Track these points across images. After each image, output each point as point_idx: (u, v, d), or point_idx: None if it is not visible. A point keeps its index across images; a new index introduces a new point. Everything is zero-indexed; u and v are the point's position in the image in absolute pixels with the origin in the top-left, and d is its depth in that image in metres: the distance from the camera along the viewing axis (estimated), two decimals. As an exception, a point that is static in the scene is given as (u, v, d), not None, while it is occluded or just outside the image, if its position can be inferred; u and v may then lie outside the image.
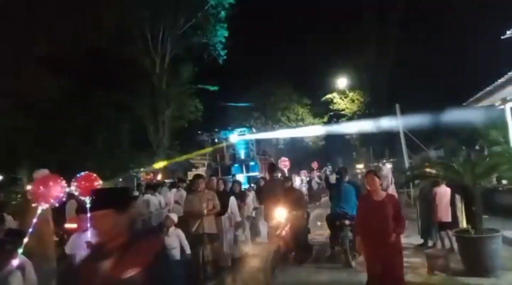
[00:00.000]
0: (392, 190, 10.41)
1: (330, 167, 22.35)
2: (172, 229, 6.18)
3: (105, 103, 18.58)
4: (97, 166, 17.79)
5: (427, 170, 7.31)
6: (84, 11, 15.03)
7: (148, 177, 15.31)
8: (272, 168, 9.07)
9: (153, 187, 10.43)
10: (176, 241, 6.06)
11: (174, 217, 6.35)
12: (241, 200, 9.14)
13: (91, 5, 15.61)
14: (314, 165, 19.35)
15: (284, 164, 14.19)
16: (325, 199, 20.33)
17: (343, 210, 7.42)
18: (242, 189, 10.13)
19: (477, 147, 14.50)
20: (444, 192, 7.38)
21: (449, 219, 7.34)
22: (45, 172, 5.05)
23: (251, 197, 9.91)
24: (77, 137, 17.72)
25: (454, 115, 17.33)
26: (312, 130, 29.41)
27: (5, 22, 12.70)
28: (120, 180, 16.71)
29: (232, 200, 8.18)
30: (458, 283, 5.66)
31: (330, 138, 32.55)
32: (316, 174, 20.75)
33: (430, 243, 8.11)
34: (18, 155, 16.84)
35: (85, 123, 18.12)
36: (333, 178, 11.33)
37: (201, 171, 19.55)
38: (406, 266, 6.70)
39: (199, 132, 16.78)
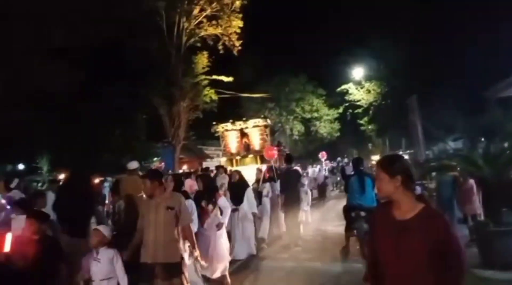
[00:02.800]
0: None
1: (346, 158, 21.17)
2: (102, 250, 3.91)
3: (121, 95, 18.83)
4: (114, 157, 18.18)
5: (445, 162, 7.20)
6: (99, 2, 15.12)
7: (160, 165, 15.51)
8: (289, 158, 9.18)
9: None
10: (108, 268, 3.89)
11: (105, 230, 4.03)
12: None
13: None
14: (322, 155, 18.19)
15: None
16: (335, 193, 20.13)
17: (359, 202, 7.39)
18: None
19: (496, 139, 14.16)
20: (472, 184, 7.36)
21: (479, 211, 7.31)
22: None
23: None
24: (95, 129, 18.03)
25: (473, 107, 16.98)
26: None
27: (20, 14, 12.90)
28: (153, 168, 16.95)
29: (249, 193, 7.73)
30: (474, 276, 5.58)
31: (345, 129, 32.34)
32: (324, 165, 19.73)
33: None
34: (38, 146, 17.25)
35: (102, 115, 18.41)
36: (349, 169, 11.26)
37: (216, 161, 19.69)
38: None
39: (214, 123, 16.82)
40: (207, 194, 6.00)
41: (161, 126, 18.98)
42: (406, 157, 25.62)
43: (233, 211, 7.17)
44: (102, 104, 18.96)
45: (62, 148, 16.04)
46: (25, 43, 14.03)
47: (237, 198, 7.46)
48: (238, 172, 8.06)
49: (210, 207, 5.80)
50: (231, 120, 16.96)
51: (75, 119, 17.31)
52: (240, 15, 19.56)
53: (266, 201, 8.90)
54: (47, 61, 14.52)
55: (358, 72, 27.17)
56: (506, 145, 7.22)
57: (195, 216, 5.36)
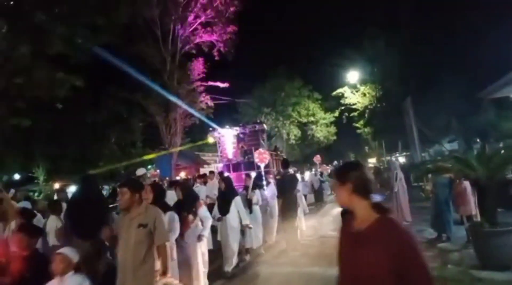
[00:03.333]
0: (400, 186, 10.32)
1: (341, 161, 20.62)
2: (69, 277, 3.25)
3: (117, 102, 18.83)
4: (111, 164, 18.16)
5: (440, 163, 7.26)
6: (95, 9, 15.15)
7: (155, 173, 15.47)
8: (285, 163, 9.17)
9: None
10: None
11: (71, 254, 3.35)
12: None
13: (102, 3, 15.73)
14: (317, 159, 17.52)
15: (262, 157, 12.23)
16: (332, 197, 20.00)
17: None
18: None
19: (491, 140, 14.29)
20: (467, 185, 7.39)
21: (474, 212, 7.33)
22: None
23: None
24: (91, 136, 18.00)
25: (467, 108, 17.09)
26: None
27: (18, 21, 12.88)
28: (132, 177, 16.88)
29: (238, 202, 7.00)
30: (471, 277, 5.60)
31: (341, 133, 32.45)
32: (320, 169, 19.39)
33: (444, 237, 8.06)
34: (34, 155, 17.19)
35: (98, 121, 18.39)
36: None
37: (213, 167, 19.67)
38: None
39: (210, 129, 16.84)
40: (186, 203, 5.51)
41: (157, 133, 18.98)
42: (402, 159, 25.69)
43: (218, 220, 6.83)
44: (98, 112, 18.97)
45: (58, 156, 15.99)
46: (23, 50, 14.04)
47: (224, 207, 6.89)
48: (225, 179, 7.31)
49: (190, 217, 5.36)
50: (227, 126, 17.00)
51: (71, 127, 17.27)
52: (235, 22, 19.68)
53: (257, 209, 8.47)
54: (44, 68, 14.50)
55: (353, 75, 27.31)
56: (501, 145, 7.31)
57: (177, 226, 4.84)
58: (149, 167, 20.51)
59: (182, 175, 15.32)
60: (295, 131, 30.42)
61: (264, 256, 8.13)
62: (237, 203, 6.92)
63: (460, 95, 17.74)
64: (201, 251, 5.58)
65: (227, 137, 17.05)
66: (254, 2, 20.81)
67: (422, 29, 21.75)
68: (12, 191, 8.23)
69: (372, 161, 35.90)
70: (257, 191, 8.57)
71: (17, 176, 17.13)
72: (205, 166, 21.16)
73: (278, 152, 21.18)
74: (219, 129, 16.84)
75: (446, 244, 7.72)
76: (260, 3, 25.54)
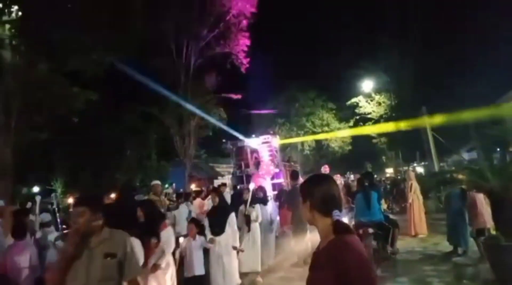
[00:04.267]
0: (415, 198, 10.16)
1: (351, 174, 19.79)
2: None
3: (133, 115, 19.18)
4: (127, 176, 18.47)
5: (453, 174, 7.11)
6: (109, 23, 15.57)
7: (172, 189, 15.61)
8: (294, 175, 9.09)
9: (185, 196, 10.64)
10: None
11: None
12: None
13: (116, 18, 16.17)
14: (325, 169, 16.65)
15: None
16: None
17: (366, 218, 7.32)
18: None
19: (511, 149, 13.89)
20: (480, 197, 7.21)
21: (489, 225, 7.12)
22: None
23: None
24: (107, 150, 18.33)
25: (485, 115, 16.70)
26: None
27: (34, 37, 13.33)
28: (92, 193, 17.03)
29: (232, 220, 6.15)
30: (487, 293, 5.45)
31: (357, 142, 32.07)
32: None
33: (460, 251, 7.85)
34: (52, 168, 17.60)
35: (115, 135, 18.73)
36: (354, 185, 11.11)
37: (227, 179, 19.74)
38: (433, 274, 6.58)
39: (224, 140, 16.93)
40: (149, 224, 4.59)
41: (171, 145, 19.19)
42: (420, 169, 25.26)
43: (210, 242, 5.78)
44: (115, 125, 19.34)
45: (76, 169, 16.34)
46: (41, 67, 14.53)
47: (217, 225, 5.95)
48: (218, 193, 6.48)
49: (153, 241, 4.50)
50: (241, 137, 17.05)
51: (89, 141, 17.66)
52: (247, 34, 19.88)
53: (256, 227, 7.42)
54: (61, 83, 14.93)
55: (367, 85, 27.10)
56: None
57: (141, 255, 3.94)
58: (166, 186, 20.57)
59: (193, 186, 15.37)
60: (309, 142, 30.25)
61: (276, 266, 7.96)
62: (231, 220, 6.09)
63: (478, 102, 17.39)
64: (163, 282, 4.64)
65: (248, 147, 16.97)
66: (267, 14, 20.96)
67: (436, 37, 21.56)
68: (29, 203, 8.42)
69: (389, 171, 35.32)
70: (257, 206, 7.59)
71: (36, 189, 17.58)
72: (219, 177, 21.25)
73: (292, 163, 21.10)
74: (232, 141, 16.84)
75: (461, 258, 7.52)
76: (274, 15, 25.75)
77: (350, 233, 1.74)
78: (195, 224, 5.83)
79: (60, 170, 17.28)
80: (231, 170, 21.03)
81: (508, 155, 13.33)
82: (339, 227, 1.74)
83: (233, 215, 6.20)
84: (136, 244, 3.69)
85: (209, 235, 5.90)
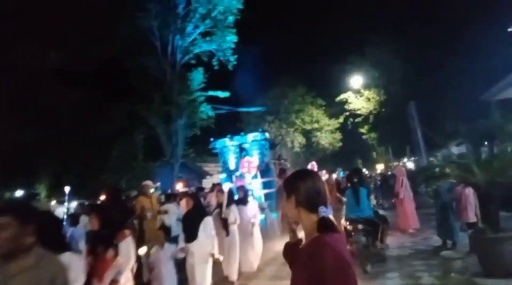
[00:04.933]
0: (406, 192, 10.14)
1: (340, 170, 19.61)
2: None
3: (119, 115, 18.85)
4: (113, 178, 18.13)
5: (441, 169, 7.03)
6: (94, 23, 15.34)
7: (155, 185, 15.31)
8: (282, 173, 8.96)
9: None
10: None
11: None
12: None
13: (102, 17, 15.92)
14: (312, 166, 16.21)
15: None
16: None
17: (356, 214, 7.23)
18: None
19: (498, 143, 13.98)
20: (468, 191, 7.18)
21: (476, 220, 7.10)
22: None
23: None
24: (93, 150, 18.01)
25: (474, 111, 16.80)
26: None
27: (18, 36, 13.07)
28: (135, 192, 16.77)
29: (207, 224, 5.45)
30: (475, 285, 5.38)
31: (347, 139, 32.13)
32: None
33: (449, 244, 7.81)
34: (36, 171, 17.25)
35: (100, 135, 18.39)
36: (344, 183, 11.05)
37: (217, 178, 19.51)
38: (423, 269, 6.51)
39: (212, 139, 16.68)
40: (104, 233, 3.97)
41: (158, 145, 18.91)
42: (411, 164, 25.36)
43: (182, 251, 5.29)
44: (100, 126, 19.00)
45: (60, 172, 16.03)
46: (25, 65, 14.26)
47: (190, 232, 5.35)
48: (193, 196, 5.95)
49: (110, 253, 3.83)
50: (229, 136, 16.81)
51: (72, 141, 17.33)
52: (234, 30, 19.66)
53: (235, 230, 6.84)
54: (43, 82, 14.67)
55: (356, 80, 27.06)
56: (509, 149, 7.03)
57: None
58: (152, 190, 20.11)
59: (179, 186, 15.12)
60: (300, 139, 30.15)
61: (267, 269, 7.58)
62: (206, 225, 5.39)
63: (467, 98, 17.47)
64: None
65: (229, 147, 16.86)
66: (254, 10, 20.77)
67: (425, 33, 21.59)
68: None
69: (379, 167, 35.46)
70: (233, 207, 6.97)
71: (19, 193, 17.19)
72: (208, 177, 21.03)
73: (282, 161, 20.96)
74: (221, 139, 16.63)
75: (450, 252, 7.49)
76: (261, 11, 25.64)
77: (334, 231, 1.68)
78: (164, 231, 5.26)
79: (44, 174, 16.93)
80: (220, 169, 20.85)
81: (495, 149, 13.40)
82: (323, 224, 1.67)
83: (208, 219, 5.52)
84: (74, 266, 2.78)
85: (181, 244, 5.33)
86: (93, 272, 3.68)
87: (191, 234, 5.30)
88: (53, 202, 14.56)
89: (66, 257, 2.68)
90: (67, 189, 9.12)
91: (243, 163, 11.81)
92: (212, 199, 9.39)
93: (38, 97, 15.08)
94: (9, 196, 16.59)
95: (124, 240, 4.07)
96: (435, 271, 6.35)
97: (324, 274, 1.53)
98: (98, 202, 14.72)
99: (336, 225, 1.73)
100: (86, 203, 12.30)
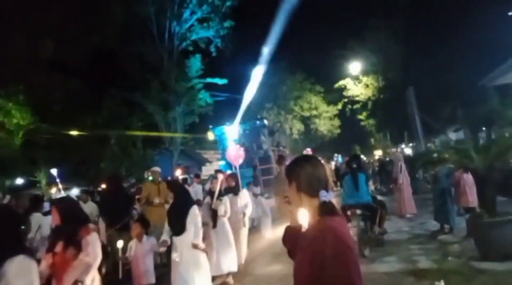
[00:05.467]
0: (404, 178, 10.22)
1: (339, 156, 19.49)
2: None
3: (116, 102, 18.79)
4: (112, 165, 18.15)
5: (439, 154, 7.09)
6: (89, 10, 15.13)
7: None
8: (280, 159, 8.96)
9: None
10: None
11: None
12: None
13: (96, 3, 15.70)
14: (307, 152, 15.87)
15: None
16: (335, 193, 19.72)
17: (355, 199, 7.30)
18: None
19: (496, 128, 14.03)
20: (467, 176, 7.22)
21: (475, 204, 7.16)
22: None
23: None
24: (91, 138, 17.99)
25: (472, 96, 16.80)
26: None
27: (12, 25, 12.93)
28: (134, 180, 16.89)
29: (193, 215, 4.86)
30: (472, 268, 5.46)
31: (345, 126, 32.15)
32: None
33: (446, 229, 7.90)
34: (36, 159, 17.26)
35: (98, 123, 18.37)
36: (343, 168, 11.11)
37: (216, 165, 19.57)
38: (420, 253, 6.61)
39: (211, 126, 16.72)
40: (66, 229, 3.41)
41: (157, 132, 18.86)
42: (409, 150, 25.42)
43: (163, 245, 4.87)
44: (98, 113, 18.96)
45: (59, 160, 16.03)
46: (21, 55, 14.13)
47: (176, 224, 4.84)
48: (174, 188, 5.22)
49: (71, 251, 3.28)
50: (227, 123, 16.86)
51: (70, 129, 17.28)
52: (232, 16, 19.47)
53: (224, 223, 6.29)
54: (39, 72, 14.57)
55: (355, 66, 26.89)
56: (507, 134, 7.10)
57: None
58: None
59: (178, 173, 15.16)
60: (298, 126, 30.16)
61: (257, 259, 7.46)
62: (192, 215, 4.84)
63: (464, 83, 17.45)
64: None
65: (228, 134, 16.92)
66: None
67: (424, 17, 21.41)
68: (8, 197, 8.20)
69: (378, 153, 35.59)
70: (225, 199, 6.34)
71: (19, 180, 17.23)
72: (207, 164, 21.08)
73: (281, 148, 21.03)
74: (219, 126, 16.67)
75: (447, 236, 7.57)
76: (259, -3, 25.31)
77: (335, 215, 1.70)
78: (141, 223, 4.97)
79: (43, 161, 16.95)
80: (219, 156, 20.89)
81: (493, 134, 13.46)
82: (324, 208, 1.70)
83: (193, 210, 4.90)
84: (24, 272, 2.43)
85: (165, 237, 4.89)
86: (52, 273, 3.24)
87: (178, 226, 4.80)
88: (54, 190, 14.60)
89: (17, 261, 2.40)
90: (54, 171, 9.00)
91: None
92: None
93: (34, 86, 14.97)
94: (10, 183, 16.63)
95: (88, 235, 3.49)
96: (433, 255, 6.42)
97: (325, 257, 1.54)
98: (99, 189, 14.79)
99: (337, 208, 1.76)
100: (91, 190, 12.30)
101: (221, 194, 6.29)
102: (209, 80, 19.03)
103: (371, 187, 11.07)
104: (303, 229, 1.73)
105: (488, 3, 17.00)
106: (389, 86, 25.28)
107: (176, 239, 4.82)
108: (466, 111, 18.18)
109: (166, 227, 4.95)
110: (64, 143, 17.29)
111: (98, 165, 17.68)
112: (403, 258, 6.41)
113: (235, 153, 10.49)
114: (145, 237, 5.03)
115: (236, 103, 27.17)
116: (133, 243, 5.02)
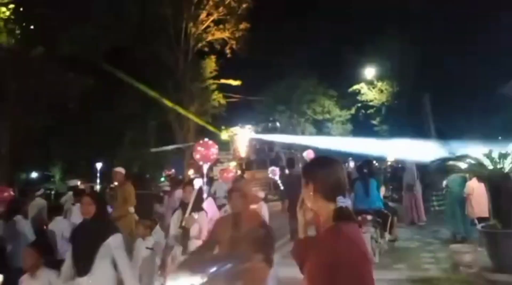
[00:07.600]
0: (417, 186, 10.14)
1: (352, 161, 19.13)
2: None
3: (131, 101, 19.00)
4: (125, 163, 18.28)
5: (452, 163, 6.98)
6: (107, 9, 15.32)
7: (169, 172, 15.49)
8: (290, 162, 8.95)
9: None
10: None
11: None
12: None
13: (115, 3, 15.90)
14: (308, 154, 14.47)
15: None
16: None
17: (366, 205, 7.26)
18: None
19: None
20: (478, 186, 7.10)
21: (487, 214, 7.03)
22: None
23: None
24: (105, 136, 18.22)
25: (489, 105, 16.57)
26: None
27: (28, 22, 13.16)
28: (148, 175, 17.05)
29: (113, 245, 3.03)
30: (484, 279, 5.38)
31: (358, 131, 31.86)
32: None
33: (458, 238, 7.79)
34: (50, 154, 17.55)
35: (113, 121, 18.60)
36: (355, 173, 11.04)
37: (227, 166, 19.61)
38: (431, 261, 6.53)
39: (223, 127, 16.80)
40: None
41: (170, 131, 19.04)
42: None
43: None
44: (113, 111, 19.20)
45: (73, 157, 16.29)
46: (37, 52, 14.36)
47: (81, 259, 2.97)
48: (96, 198, 3.28)
49: None
50: (239, 124, 16.91)
51: (85, 127, 17.55)
52: (247, 18, 19.54)
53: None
54: (55, 69, 14.77)
55: (369, 71, 26.71)
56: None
57: None
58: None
59: (191, 172, 15.25)
60: (310, 129, 30.05)
61: None
62: (111, 247, 3.06)
63: (481, 92, 17.23)
64: None
65: (239, 136, 16.97)
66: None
67: (441, 24, 21.22)
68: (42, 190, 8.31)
69: (390, 159, 35.17)
70: (202, 215, 4.33)
71: (34, 174, 17.57)
72: (219, 164, 21.11)
73: (293, 150, 20.99)
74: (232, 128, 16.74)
75: (459, 245, 7.44)
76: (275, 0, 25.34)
77: (350, 221, 1.61)
78: (37, 249, 3.31)
79: (58, 157, 17.23)
80: (230, 157, 20.94)
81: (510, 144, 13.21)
82: (340, 214, 1.60)
83: (117, 238, 3.11)
84: None
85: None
86: None
87: (83, 262, 3.01)
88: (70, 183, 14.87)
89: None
90: (98, 165, 8.97)
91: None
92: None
93: (51, 84, 15.21)
94: (25, 177, 16.96)
95: None
96: (443, 264, 6.36)
97: (336, 262, 1.47)
98: (112, 186, 14.92)
99: (353, 215, 1.69)
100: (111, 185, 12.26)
101: (196, 208, 4.30)
102: (223, 81, 19.13)
103: (383, 192, 11.00)
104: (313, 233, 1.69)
105: (506, 11, 16.76)
106: (404, 92, 25.04)
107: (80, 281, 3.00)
108: (482, 120, 17.94)
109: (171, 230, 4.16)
110: (78, 139, 17.58)
111: (112, 162, 17.91)
112: (413, 266, 6.36)
113: (205, 151, 7.82)
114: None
115: (249, 105, 27.30)
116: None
